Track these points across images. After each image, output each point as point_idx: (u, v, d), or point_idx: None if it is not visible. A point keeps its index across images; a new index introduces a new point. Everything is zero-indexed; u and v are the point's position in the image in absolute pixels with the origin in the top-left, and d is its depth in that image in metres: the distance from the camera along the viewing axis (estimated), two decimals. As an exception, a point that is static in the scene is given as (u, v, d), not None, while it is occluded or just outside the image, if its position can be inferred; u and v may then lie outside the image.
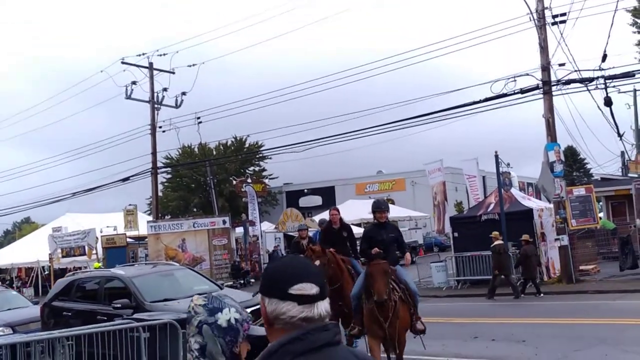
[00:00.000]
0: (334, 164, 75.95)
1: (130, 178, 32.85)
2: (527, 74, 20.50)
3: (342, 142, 27.78)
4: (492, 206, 22.48)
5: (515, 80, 20.37)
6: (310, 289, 1.87)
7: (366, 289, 8.51)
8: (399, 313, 8.49)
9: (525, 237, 18.89)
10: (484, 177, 46.68)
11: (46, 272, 37.13)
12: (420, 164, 31.77)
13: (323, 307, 1.89)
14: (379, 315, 8.35)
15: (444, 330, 12.95)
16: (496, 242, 18.84)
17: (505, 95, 20.58)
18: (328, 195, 59.28)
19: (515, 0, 27.13)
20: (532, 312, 15.42)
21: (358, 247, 10.86)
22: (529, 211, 21.57)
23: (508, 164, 23.61)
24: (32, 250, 36.18)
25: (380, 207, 9.56)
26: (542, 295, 17.76)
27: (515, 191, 24.87)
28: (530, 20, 20.32)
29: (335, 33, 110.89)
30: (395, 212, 42.61)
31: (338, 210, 12.18)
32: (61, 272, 29.30)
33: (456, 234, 23.26)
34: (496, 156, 21.94)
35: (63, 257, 32.96)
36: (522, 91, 20.48)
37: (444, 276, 22.48)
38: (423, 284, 22.70)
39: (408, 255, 10.36)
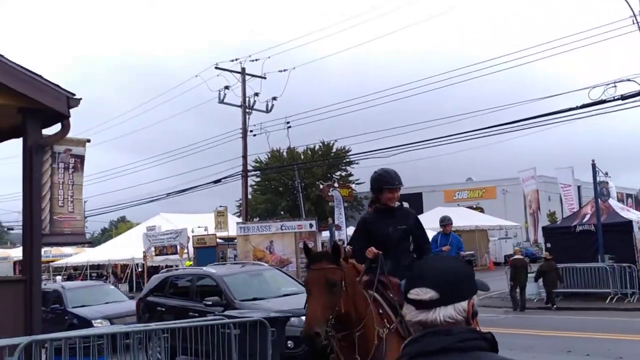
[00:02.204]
0: (422, 170, 75.28)
1: (222, 180, 33.73)
2: (629, 80, 19.59)
3: (430, 148, 27.56)
4: (587, 217, 21.59)
5: (615, 86, 19.51)
6: (425, 294, 1.84)
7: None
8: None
9: (545, 254, 21.49)
10: (579, 187, 44.83)
11: (140, 269, 38.64)
12: (511, 172, 30.98)
13: (442, 313, 1.84)
14: None
15: (535, 343, 12.55)
16: (516, 256, 21.30)
17: (604, 101, 19.74)
18: (415, 202, 58.68)
19: (614, 4, 25.99)
20: (629, 328, 14.69)
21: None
22: (628, 223, 20.50)
23: (606, 173, 22.64)
24: (127, 248, 37.75)
25: (388, 181, 5.92)
26: (555, 307, 19.14)
27: (613, 202, 23.79)
28: (634, 23, 19.42)
29: (423, 38, 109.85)
30: (485, 221, 41.79)
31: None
32: (154, 270, 30.45)
33: (549, 245, 22.49)
34: (593, 165, 21.09)
35: (156, 255, 34.20)
36: (623, 97, 19.59)
37: (535, 287, 21.75)
38: (506, 296, 22.10)
39: None
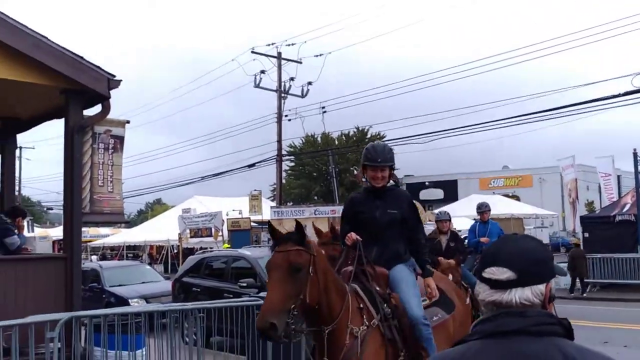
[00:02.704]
0: (458, 158, 74.62)
1: (256, 165, 33.92)
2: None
3: (466, 135, 27.27)
4: (627, 207, 21.17)
5: (659, 74, 18.97)
6: (501, 273, 1.80)
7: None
8: None
9: (575, 240, 22.65)
10: (619, 177, 44.04)
11: (175, 251, 39.16)
12: (548, 161, 30.48)
13: (519, 295, 1.79)
14: None
15: (571, 333, 12.38)
16: (574, 247, 21.91)
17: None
18: (450, 189, 58.23)
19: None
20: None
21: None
22: (670, 214, 20.09)
23: (647, 163, 22.14)
24: (162, 230, 38.24)
25: (369, 157, 5.17)
26: (585, 295, 19.55)
27: (655, 192, 23.28)
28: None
29: (458, 23, 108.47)
30: (521, 209, 41.23)
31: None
32: (189, 251, 30.83)
33: (587, 235, 22.12)
34: (634, 154, 20.65)
35: (191, 237, 34.59)
36: (668, 85, 19.04)
37: (569, 277, 21.48)
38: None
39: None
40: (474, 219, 12.72)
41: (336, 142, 56.22)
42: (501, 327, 1.76)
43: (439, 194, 59.23)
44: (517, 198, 51.31)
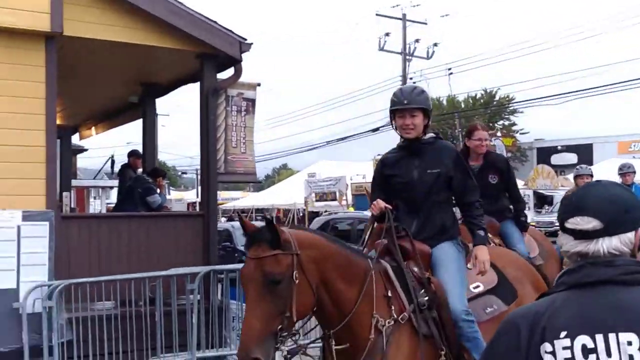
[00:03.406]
0: (594, 120, 70.53)
1: (380, 129, 33.85)
2: None
3: (601, 95, 25.62)
4: None
5: None
6: (586, 223, 1.71)
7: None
8: None
9: None
10: None
11: (301, 214, 40.17)
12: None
13: (606, 244, 1.70)
14: None
15: None
16: None
17: None
18: (584, 154, 55.13)
19: None
20: None
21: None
22: None
23: None
24: (289, 194, 39.31)
25: (395, 101, 4.12)
26: None
27: None
28: None
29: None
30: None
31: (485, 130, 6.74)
32: (314, 215, 31.49)
33: None
34: None
35: (316, 201, 35.28)
36: None
37: None
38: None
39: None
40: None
41: (462, 105, 54.87)
42: (588, 277, 1.67)
43: (572, 158, 56.30)
44: (659, 163, 47.94)
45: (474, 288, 4.03)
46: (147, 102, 10.91)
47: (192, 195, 46.45)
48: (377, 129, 34.15)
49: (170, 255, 7.68)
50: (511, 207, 6.33)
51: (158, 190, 9.79)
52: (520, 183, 42.95)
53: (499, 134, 38.93)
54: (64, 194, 10.88)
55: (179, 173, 66.45)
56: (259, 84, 8.86)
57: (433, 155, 4.12)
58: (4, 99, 6.56)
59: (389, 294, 3.64)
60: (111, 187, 24.42)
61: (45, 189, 6.74)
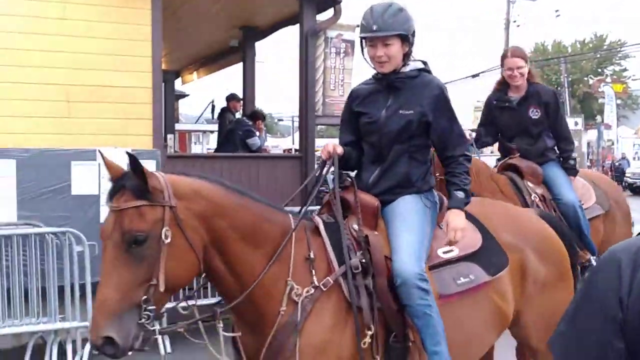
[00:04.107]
0: None
1: (480, 75, 32.81)
2: None
3: None
4: None
5: None
6: None
7: None
8: None
9: None
10: None
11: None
12: None
13: None
14: None
15: None
16: None
17: None
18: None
19: None
20: None
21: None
22: None
23: None
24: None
25: (369, 21, 3.19)
26: None
27: None
28: None
29: None
30: None
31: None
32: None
33: None
34: None
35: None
36: None
37: None
38: None
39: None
40: None
41: (569, 50, 52.15)
42: None
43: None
44: None
45: (444, 253, 3.18)
46: (247, 46, 11.02)
47: (288, 142, 47.12)
48: (477, 75, 33.12)
49: (269, 196, 7.78)
50: (555, 148, 5.36)
51: (257, 133, 9.96)
52: (630, 132, 40.99)
53: (608, 79, 36.79)
54: (169, 136, 11.27)
55: (275, 120, 67.44)
56: (358, 25, 8.72)
57: (411, 93, 3.22)
58: (113, 42, 6.77)
59: (312, 256, 2.89)
60: (212, 132, 25.14)
61: (152, 129, 6.96)
